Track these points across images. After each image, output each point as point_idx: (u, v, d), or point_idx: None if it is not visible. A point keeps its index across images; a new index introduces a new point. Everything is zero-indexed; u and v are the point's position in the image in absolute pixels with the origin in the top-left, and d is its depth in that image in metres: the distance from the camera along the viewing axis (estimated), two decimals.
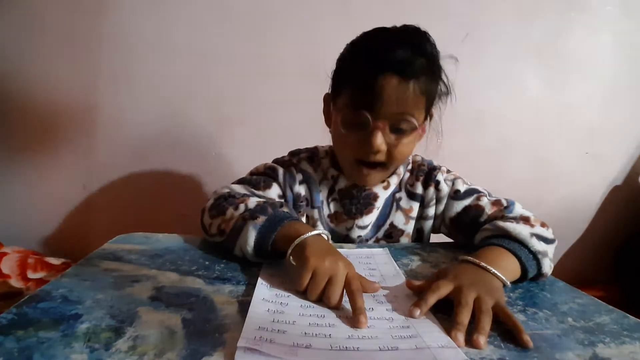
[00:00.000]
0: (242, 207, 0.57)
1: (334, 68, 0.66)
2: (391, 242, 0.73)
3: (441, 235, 0.74)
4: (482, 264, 0.48)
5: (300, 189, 0.71)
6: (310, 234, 0.50)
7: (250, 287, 0.47)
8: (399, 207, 0.73)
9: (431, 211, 0.72)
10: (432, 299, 0.43)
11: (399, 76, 0.57)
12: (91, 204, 1.24)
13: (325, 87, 0.72)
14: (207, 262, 0.55)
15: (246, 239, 0.53)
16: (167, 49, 1.16)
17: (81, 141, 1.20)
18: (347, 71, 0.63)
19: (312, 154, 0.75)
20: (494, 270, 0.48)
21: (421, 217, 0.73)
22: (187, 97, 1.20)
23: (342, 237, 0.72)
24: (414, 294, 0.47)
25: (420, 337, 0.38)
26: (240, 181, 0.69)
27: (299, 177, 0.72)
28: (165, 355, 0.33)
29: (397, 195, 0.73)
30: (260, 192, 0.66)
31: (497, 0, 1.24)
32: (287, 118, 1.21)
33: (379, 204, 0.71)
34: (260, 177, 0.69)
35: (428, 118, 0.66)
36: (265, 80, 1.20)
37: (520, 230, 0.55)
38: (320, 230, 0.54)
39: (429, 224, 0.73)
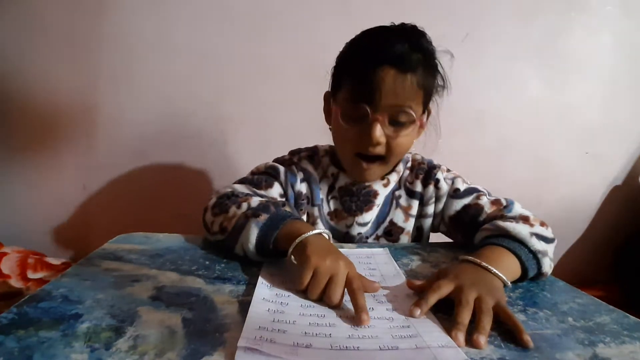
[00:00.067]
0: (244, 205, 0.58)
1: (334, 65, 0.68)
2: (391, 239, 0.73)
3: (441, 235, 0.74)
4: (483, 263, 0.48)
5: (302, 187, 0.72)
6: (311, 233, 0.51)
7: (251, 286, 0.47)
8: (398, 205, 0.73)
9: (430, 209, 0.72)
10: (432, 299, 0.43)
11: (397, 69, 0.59)
12: (91, 204, 1.24)
13: (325, 87, 0.72)
14: (207, 262, 0.55)
15: (248, 237, 0.53)
16: (167, 49, 1.16)
17: (81, 141, 1.20)
18: (347, 65, 0.65)
19: (312, 153, 0.76)
20: (494, 270, 0.48)
21: (420, 215, 0.73)
22: (187, 97, 1.20)
23: (342, 235, 0.73)
24: (414, 294, 0.47)
25: (421, 336, 0.38)
26: (241, 181, 0.69)
27: (300, 175, 0.72)
28: (166, 354, 0.33)
29: (397, 193, 0.73)
30: (262, 192, 0.67)
31: (497, 0, 1.24)
32: (287, 118, 1.21)
33: (379, 201, 0.72)
34: (262, 176, 0.70)
35: (426, 114, 0.67)
36: (265, 80, 1.20)
37: (520, 229, 0.55)
38: (322, 229, 0.55)
39: (428, 222, 0.73)
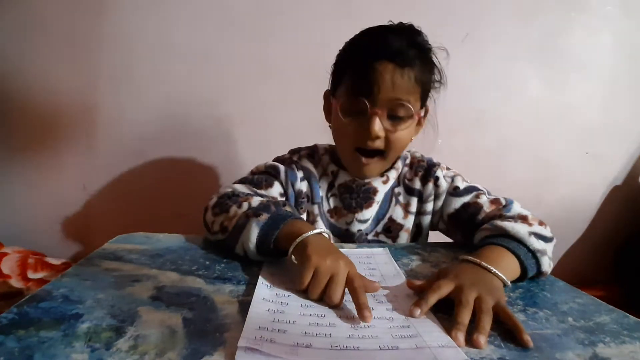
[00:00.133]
0: (245, 205, 0.58)
1: (334, 62, 0.69)
2: (390, 236, 0.73)
3: (441, 235, 0.75)
4: (483, 263, 0.49)
5: (302, 186, 0.72)
6: (312, 232, 0.51)
7: (251, 286, 0.47)
8: (397, 202, 0.73)
9: (429, 206, 0.72)
10: (432, 299, 0.43)
11: (395, 63, 0.61)
12: (91, 204, 1.24)
13: (325, 87, 0.72)
14: (207, 262, 0.55)
15: (249, 236, 0.53)
16: (167, 49, 1.16)
17: (81, 141, 1.20)
18: (346, 61, 0.67)
19: (312, 151, 0.77)
20: (494, 270, 0.48)
21: (419, 212, 0.74)
22: (187, 97, 1.20)
23: (342, 232, 0.73)
24: (414, 294, 0.47)
25: (421, 336, 0.38)
26: (241, 181, 0.69)
27: (300, 173, 0.73)
28: (166, 354, 0.33)
29: (396, 190, 0.74)
30: (262, 191, 0.67)
31: (497, 0, 1.24)
32: (287, 118, 1.21)
33: (379, 198, 0.72)
34: (262, 176, 0.70)
35: (424, 110, 0.68)
36: (265, 80, 1.20)
37: (519, 229, 0.55)
38: (322, 229, 0.55)
39: (427, 219, 0.74)
